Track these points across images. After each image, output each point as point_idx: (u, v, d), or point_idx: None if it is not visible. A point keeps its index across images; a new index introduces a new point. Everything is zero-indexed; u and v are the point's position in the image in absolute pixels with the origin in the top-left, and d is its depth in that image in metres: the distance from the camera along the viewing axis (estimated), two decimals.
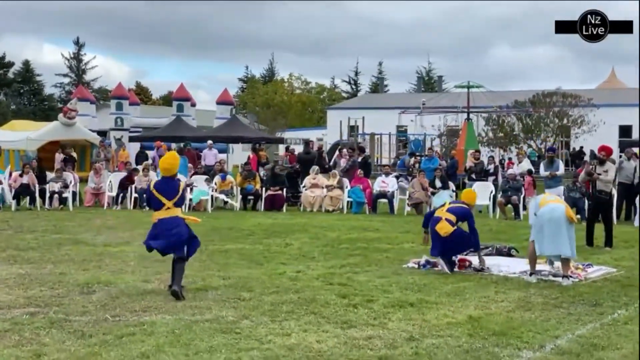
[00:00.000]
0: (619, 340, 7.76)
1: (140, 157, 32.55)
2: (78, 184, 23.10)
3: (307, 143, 26.95)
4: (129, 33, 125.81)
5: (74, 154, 31.61)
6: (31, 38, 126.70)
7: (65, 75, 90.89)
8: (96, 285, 10.04)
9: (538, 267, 11.62)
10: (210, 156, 28.34)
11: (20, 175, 21.39)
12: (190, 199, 21.68)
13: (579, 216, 17.76)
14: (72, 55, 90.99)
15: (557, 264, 11.47)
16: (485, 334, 7.92)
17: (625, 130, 45.63)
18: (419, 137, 44.21)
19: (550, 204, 11.42)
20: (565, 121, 41.26)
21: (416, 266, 12.20)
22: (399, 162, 33.77)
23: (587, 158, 33.47)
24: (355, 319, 8.44)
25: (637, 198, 20.04)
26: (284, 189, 22.41)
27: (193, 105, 43.89)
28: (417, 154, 34.78)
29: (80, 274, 10.87)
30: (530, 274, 11.28)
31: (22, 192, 21.22)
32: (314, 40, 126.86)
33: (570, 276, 11.24)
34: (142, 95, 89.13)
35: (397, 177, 24.83)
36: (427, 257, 12.47)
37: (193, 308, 8.75)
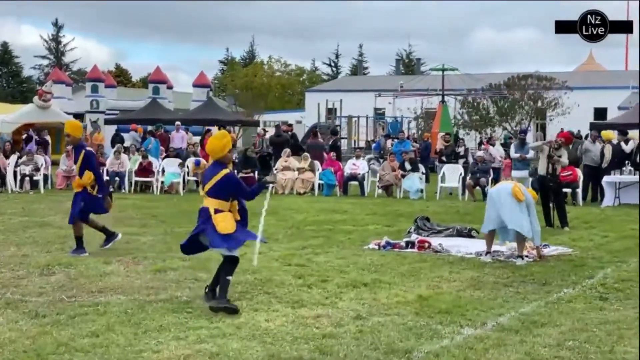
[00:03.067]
0: (560, 317, 8.01)
1: (116, 140, 32.50)
2: (50, 167, 23.18)
3: (277, 126, 27.13)
4: (109, 14, 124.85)
5: (48, 137, 31.58)
6: (9, 19, 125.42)
7: (44, 57, 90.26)
8: (56, 266, 10.19)
9: (495, 247, 11.89)
10: (177, 138, 28.21)
11: None
12: (162, 182, 21.86)
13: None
14: (50, 37, 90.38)
15: (513, 244, 11.72)
16: (432, 312, 8.15)
17: (600, 113, 46.00)
18: (396, 120, 44.40)
19: (497, 185, 11.86)
20: (539, 104, 41.57)
21: (377, 247, 12.44)
22: (374, 144, 33.96)
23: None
24: (307, 298, 8.64)
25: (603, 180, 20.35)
26: (256, 172, 22.58)
27: (170, 87, 43.87)
28: (393, 136, 34.98)
29: (42, 256, 11.02)
30: (486, 254, 11.54)
31: None
32: (295, 23, 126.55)
33: (526, 256, 11.50)
34: (121, 77, 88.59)
35: (376, 159, 25.08)
36: (388, 239, 12.72)
37: (149, 289, 8.93)
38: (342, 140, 45.65)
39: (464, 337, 7.21)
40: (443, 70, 38.90)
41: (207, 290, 8.47)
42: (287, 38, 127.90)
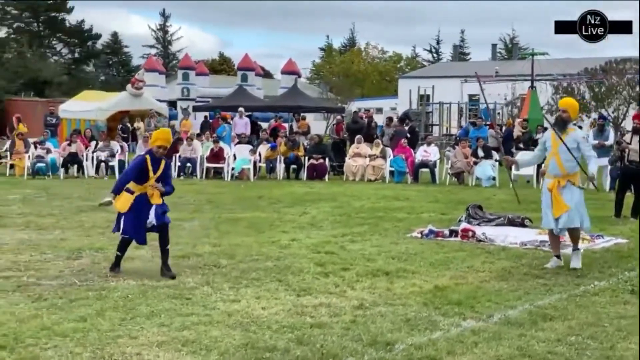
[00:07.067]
0: (575, 311, 7.58)
1: (205, 127, 32.92)
2: (127, 153, 23.66)
3: (355, 112, 26.94)
4: (214, 4, 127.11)
5: (135, 124, 32.34)
6: (119, 10, 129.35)
7: (151, 47, 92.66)
8: (87, 251, 10.34)
9: (542, 237, 11.37)
10: (240, 125, 28.15)
11: (69, 144, 22.05)
12: (233, 168, 22.02)
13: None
14: (158, 27, 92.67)
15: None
16: (441, 303, 7.85)
17: None
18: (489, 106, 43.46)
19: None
20: (638, 89, 39.84)
21: (419, 235, 12.15)
22: (460, 131, 33.35)
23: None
24: (317, 287, 8.46)
25: None
26: (326, 158, 22.48)
27: (259, 75, 44.19)
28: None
29: (80, 240, 11.19)
30: (555, 257, 9.96)
31: (70, 160, 21.88)
32: (396, 9, 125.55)
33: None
34: (225, 65, 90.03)
35: (452, 146, 24.62)
36: (432, 227, 12.39)
37: None
38: (434, 127, 45.12)
39: (461, 330, 6.92)
40: (533, 55, 37.82)
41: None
42: (387, 24, 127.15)
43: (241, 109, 29.30)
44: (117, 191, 9.10)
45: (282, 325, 6.92)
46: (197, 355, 6.09)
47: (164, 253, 9.06)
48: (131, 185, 9.05)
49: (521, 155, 14.50)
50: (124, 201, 9.00)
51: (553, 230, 9.93)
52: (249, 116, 33.12)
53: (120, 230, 9.07)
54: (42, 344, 6.23)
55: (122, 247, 9.16)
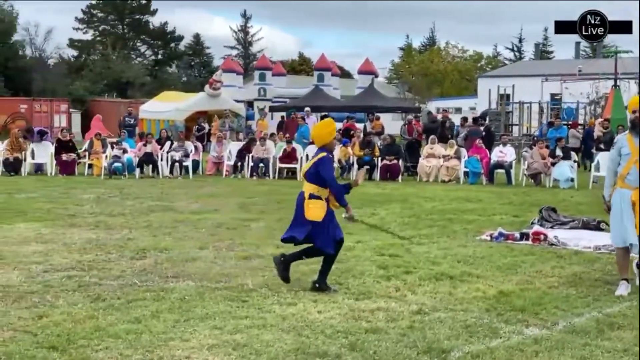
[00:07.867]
0: None
1: (282, 127, 33.02)
2: (201, 153, 23.86)
3: (429, 112, 26.62)
4: (294, 4, 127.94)
5: (213, 124, 32.69)
6: (201, 11, 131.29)
7: (232, 48, 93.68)
8: (151, 251, 10.34)
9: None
10: (308, 124, 27.91)
11: (144, 145, 22.34)
12: None
13: None
14: (239, 28, 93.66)
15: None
16: (505, 309, 7.61)
17: None
18: (571, 106, 42.43)
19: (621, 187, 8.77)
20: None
21: (488, 238, 11.84)
22: (537, 131, 32.68)
23: None
24: (377, 290, 8.31)
25: None
26: (400, 159, 22.22)
27: (335, 75, 44.11)
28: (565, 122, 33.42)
29: (146, 240, 11.21)
30: (621, 281, 8.64)
31: (145, 160, 22.15)
32: (477, 7, 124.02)
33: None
34: (304, 66, 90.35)
35: (529, 147, 24.11)
36: (502, 229, 12.07)
37: (222, 276, 8.86)
38: (514, 127, 44.23)
39: (522, 338, 6.67)
40: (616, 53, 36.75)
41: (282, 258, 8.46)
42: (468, 23, 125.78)
43: (307, 108, 29.29)
44: (344, 200, 8.46)
45: (336, 330, 6.78)
46: (246, 359, 6.00)
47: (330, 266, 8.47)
48: (318, 191, 8.33)
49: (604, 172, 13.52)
50: (320, 209, 8.31)
51: (629, 247, 8.65)
52: (325, 116, 33.09)
53: (325, 247, 8.33)
54: (94, 345, 6.22)
55: (331, 261, 8.43)
